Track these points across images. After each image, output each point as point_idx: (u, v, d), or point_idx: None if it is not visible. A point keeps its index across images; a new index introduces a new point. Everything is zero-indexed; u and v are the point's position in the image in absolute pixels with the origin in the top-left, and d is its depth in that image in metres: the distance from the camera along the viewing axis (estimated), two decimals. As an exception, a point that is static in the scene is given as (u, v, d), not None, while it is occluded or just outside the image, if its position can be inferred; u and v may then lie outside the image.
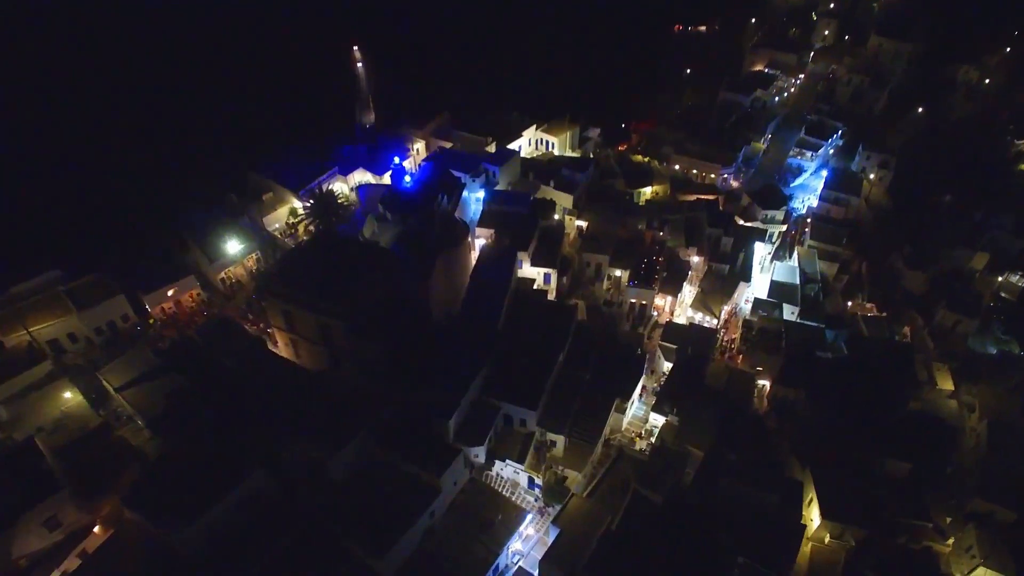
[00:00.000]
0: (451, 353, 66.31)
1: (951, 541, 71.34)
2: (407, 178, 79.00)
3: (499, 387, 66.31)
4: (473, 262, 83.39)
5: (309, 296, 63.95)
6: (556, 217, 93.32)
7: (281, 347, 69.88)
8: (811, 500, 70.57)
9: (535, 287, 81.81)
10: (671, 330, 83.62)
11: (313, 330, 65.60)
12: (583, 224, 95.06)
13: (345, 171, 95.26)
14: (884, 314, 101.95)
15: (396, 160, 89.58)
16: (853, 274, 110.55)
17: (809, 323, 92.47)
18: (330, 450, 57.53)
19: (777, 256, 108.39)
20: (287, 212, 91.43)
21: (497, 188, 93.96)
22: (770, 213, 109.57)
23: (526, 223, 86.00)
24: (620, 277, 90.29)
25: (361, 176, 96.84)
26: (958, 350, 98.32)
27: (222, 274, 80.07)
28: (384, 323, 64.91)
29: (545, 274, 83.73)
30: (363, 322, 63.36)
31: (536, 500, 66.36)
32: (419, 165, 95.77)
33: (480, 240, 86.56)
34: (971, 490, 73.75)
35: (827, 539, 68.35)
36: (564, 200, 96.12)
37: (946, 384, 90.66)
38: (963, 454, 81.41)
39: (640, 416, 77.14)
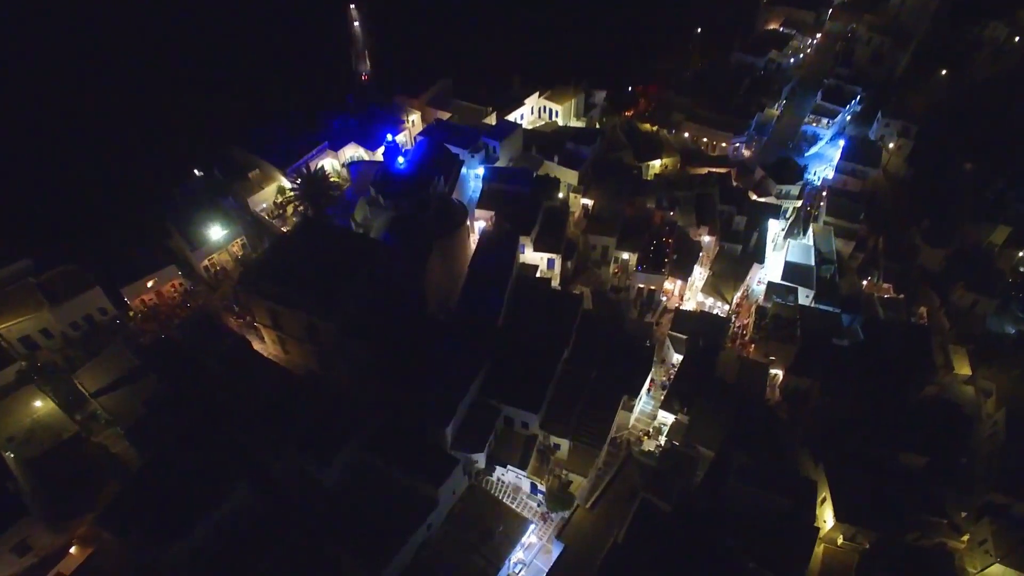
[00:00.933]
0: (447, 352, 62.23)
1: (966, 537, 68.78)
2: (400, 159, 73.30)
3: (499, 387, 62.46)
4: (472, 248, 78.62)
5: (295, 294, 59.44)
6: (560, 195, 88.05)
7: (268, 345, 65.77)
8: (824, 499, 67.90)
9: (537, 274, 77.25)
10: (681, 319, 79.41)
11: (301, 329, 61.34)
12: (589, 202, 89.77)
13: (336, 146, 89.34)
14: (901, 295, 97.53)
15: (389, 137, 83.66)
16: (869, 251, 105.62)
17: (825, 307, 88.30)
18: (321, 460, 54.18)
19: (790, 233, 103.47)
20: (274, 191, 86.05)
21: (497, 165, 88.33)
22: (785, 188, 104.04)
23: (528, 204, 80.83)
24: (628, 260, 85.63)
25: (353, 151, 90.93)
26: (976, 332, 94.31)
27: (205, 262, 75.31)
28: (376, 322, 60.66)
29: (549, 259, 79.05)
30: (353, 322, 59.08)
31: (539, 506, 63.33)
32: (415, 140, 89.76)
33: (479, 223, 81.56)
34: (987, 482, 71.09)
35: (840, 540, 65.99)
36: (569, 177, 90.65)
37: (963, 368, 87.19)
38: (979, 443, 78.38)
39: (648, 412, 73.63)
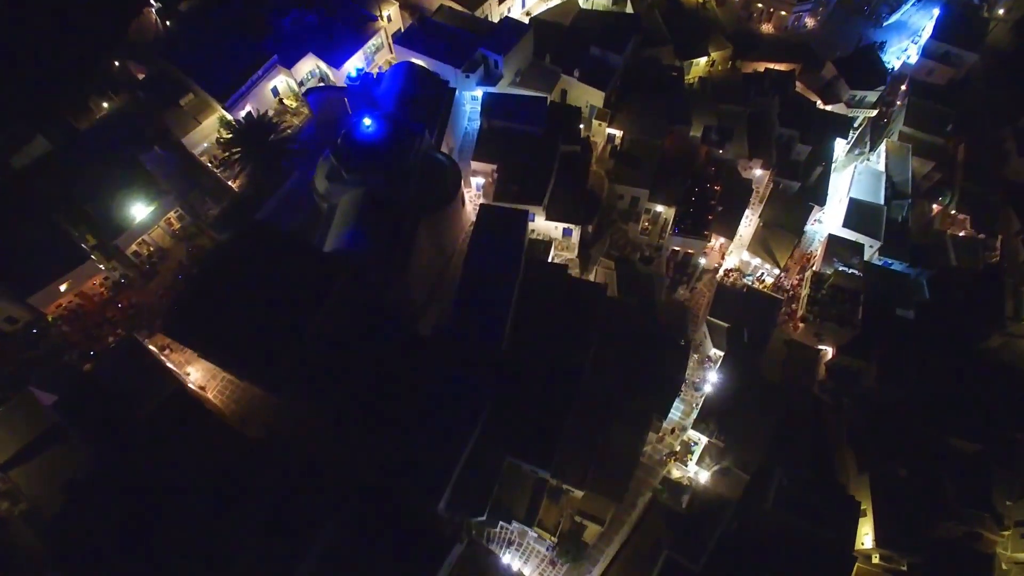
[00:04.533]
0: (437, 394, 50.06)
1: (1008, 533, 63.26)
2: (367, 122, 53.95)
3: (502, 430, 51.27)
4: (467, 216, 62.58)
5: (231, 355, 45.82)
6: (581, 128, 68.97)
7: (210, 391, 53.11)
8: (866, 511, 60.74)
9: (551, 254, 62.04)
10: (722, 298, 65.57)
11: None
12: (616, 133, 70.82)
13: (288, 59, 67.79)
14: (981, 235, 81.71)
15: (355, 70, 62.05)
16: (947, 160, 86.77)
17: (893, 266, 73.95)
18: (295, 549, 45.11)
19: (855, 150, 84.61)
20: (216, 123, 67.07)
21: (500, 88, 67.91)
22: (861, 94, 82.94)
23: (541, 151, 62.86)
24: (662, 215, 69.35)
25: (311, 64, 69.64)
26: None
27: (134, 246, 59.75)
28: (343, 369, 47.80)
29: (565, 228, 63.29)
30: (311, 386, 46.30)
31: (548, 550, 55.63)
32: (391, 45, 67.46)
33: (476, 179, 64.27)
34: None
35: (876, 558, 59.89)
36: (593, 97, 70.58)
37: (1037, 316, 74.80)
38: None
39: (675, 419, 63.11)
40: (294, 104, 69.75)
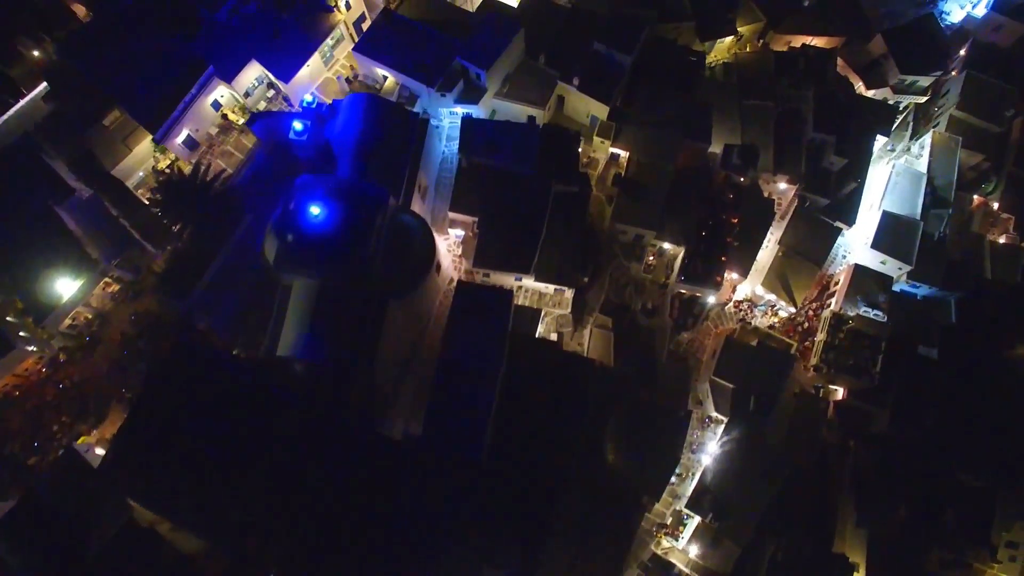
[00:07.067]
0: (409, 513, 45.92)
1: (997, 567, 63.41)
2: (315, 211, 43.91)
3: (478, 541, 47.81)
4: (446, 275, 54.76)
5: (166, 497, 40.93)
6: (580, 150, 58.61)
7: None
8: (857, 564, 60.65)
9: (539, 325, 54.89)
10: (729, 354, 59.28)
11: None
12: (621, 154, 60.48)
13: (227, 71, 55.35)
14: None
15: (298, 126, 49.53)
16: (999, 143, 75.86)
17: (921, 290, 66.94)
18: None
19: (889, 145, 73.18)
20: (150, 148, 56.77)
21: (480, 108, 56.43)
22: (911, 79, 70.26)
23: (530, 195, 53.59)
24: (669, 250, 61.09)
25: (256, 71, 57.28)
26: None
27: (67, 321, 52.32)
28: (296, 510, 43.35)
29: (556, 288, 55.68)
30: (257, 529, 41.96)
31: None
32: (347, 97, 53.66)
33: (455, 232, 55.46)
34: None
35: (866, 610, 60.04)
36: (596, 108, 59.34)
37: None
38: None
39: (670, 485, 59.42)
40: (240, 120, 58.60)
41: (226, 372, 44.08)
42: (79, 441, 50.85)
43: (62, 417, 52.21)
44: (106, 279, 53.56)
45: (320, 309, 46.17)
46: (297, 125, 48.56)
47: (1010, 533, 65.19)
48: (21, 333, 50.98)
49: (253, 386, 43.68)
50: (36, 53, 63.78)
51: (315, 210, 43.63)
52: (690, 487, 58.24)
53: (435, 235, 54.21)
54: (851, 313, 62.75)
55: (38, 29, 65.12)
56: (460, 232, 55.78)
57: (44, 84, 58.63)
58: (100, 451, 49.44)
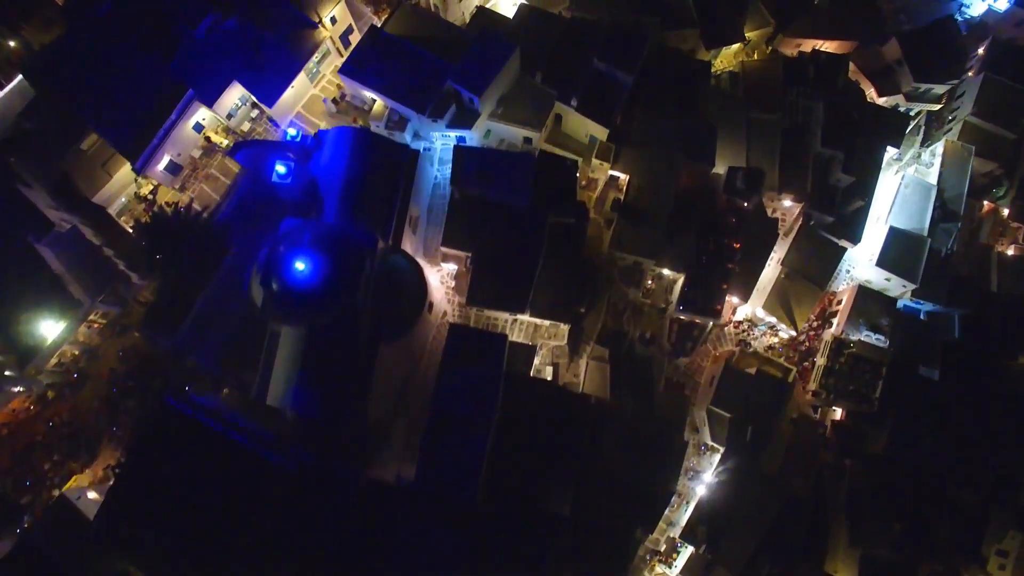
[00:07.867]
0: (401, 560, 46.06)
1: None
2: (300, 266, 42.11)
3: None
4: (439, 309, 53.40)
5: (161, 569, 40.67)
6: (577, 176, 56.25)
7: None
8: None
9: (535, 361, 53.82)
10: (727, 382, 58.44)
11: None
12: (620, 176, 58.20)
13: (208, 94, 52.52)
14: (1034, 254, 71.74)
15: (281, 169, 46.68)
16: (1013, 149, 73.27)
17: (925, 307, 65.67)
18: None
19: (904, 149, 70.30)
20: (129, 175, 54.60)
21: (473, 134, 53.86)
22: (925, 87, 67.06)
23: (525, 229, 51.77)
24: (669, 275, 59.52)
25: (238, 92, 54.46)
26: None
27: (53, 360, 51.20)
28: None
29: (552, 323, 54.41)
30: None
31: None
32: (333, 130, 50.42)
33: (448, 264, 53.77)
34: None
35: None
36: (595, 130, 56.78)
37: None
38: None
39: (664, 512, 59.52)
40: (224, 142, 56.13)
41: (214, 439, 43.08)
42: (71, 483, 50.60)
43: (53, 455, 51.91)
44: (89, 317, 52.23)
45: (309, 357, 45.08)
46: (280, 168, 46.23)
47: (1001, 543, 65.84)
48: (7, 373, 50.13)
49: (241, 451, 42.87)
50: (12, 44, 61.10)
51: (300, 265, 41.98)
52: (685, 515, 58.52)
53: (427, 268, 52.84)
54: (853, 338, 61.63)
55: (14, 17, 62.32)
56: (453, 268, 54.17)
57: (20, 77, 56.03)
58: (92, 495, 49.13)
